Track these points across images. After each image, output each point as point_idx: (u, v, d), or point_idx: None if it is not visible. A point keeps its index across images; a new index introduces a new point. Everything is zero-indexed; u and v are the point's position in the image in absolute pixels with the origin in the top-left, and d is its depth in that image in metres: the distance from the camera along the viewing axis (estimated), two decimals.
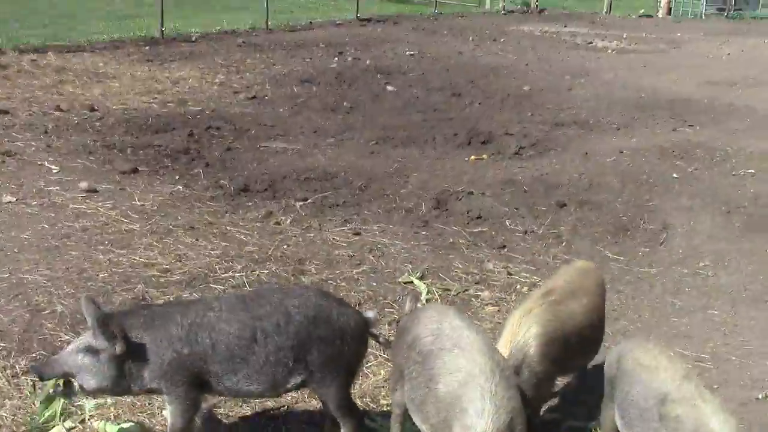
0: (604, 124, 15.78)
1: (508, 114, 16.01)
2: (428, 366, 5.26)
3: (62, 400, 5.56)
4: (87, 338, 5.30)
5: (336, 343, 5.49)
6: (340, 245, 9.26)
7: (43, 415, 5.53)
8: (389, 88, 17.82)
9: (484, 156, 13.15)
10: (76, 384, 5.29)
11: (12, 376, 6.26)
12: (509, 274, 8.83)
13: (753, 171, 13.07)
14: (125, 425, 5.72)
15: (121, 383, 5.33)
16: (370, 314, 5.81)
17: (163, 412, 5.67)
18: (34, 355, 6.45)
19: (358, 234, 9.63)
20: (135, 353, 5.29)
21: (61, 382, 5.36)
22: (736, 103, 18.18)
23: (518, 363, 5.72)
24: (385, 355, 7.04)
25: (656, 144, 14.32)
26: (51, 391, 5.40)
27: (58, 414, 5.81)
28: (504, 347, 5.68)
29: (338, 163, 12.20)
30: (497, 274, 8.88)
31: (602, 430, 5.79)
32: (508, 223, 10.37)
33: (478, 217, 10.44)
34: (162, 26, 22.79)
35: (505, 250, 9.57)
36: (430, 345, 5.33)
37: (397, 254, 9.15)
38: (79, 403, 6.03)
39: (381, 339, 5.99)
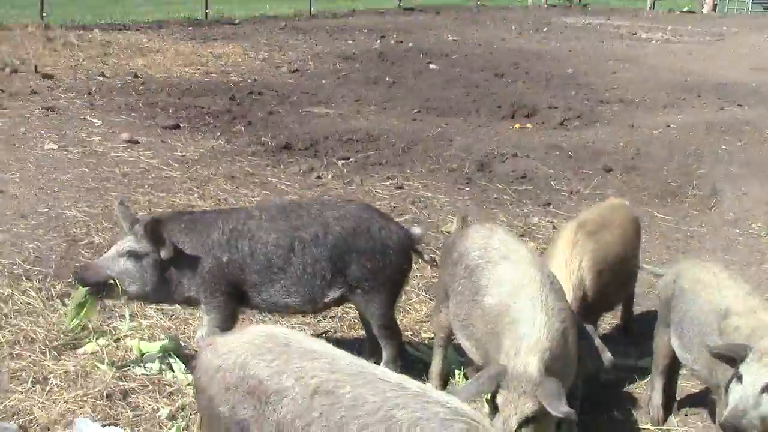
0: (650, 103, 15.42)
1: (552, 92, 15.68)
2: (475, 279, 5.02)
3: (92, 310, 5.36)
4: (129, 242, 5.12)
5: (377, 257, 5.28)
6: (382, 197, 9.06)
7: (72, 322, 5.32)
8: (432, 66, 17.56)
9: (529, 125, 12.88)
10: (117, 288, 5.12)
11: (47, 298, 6.11)
12: (554, 228, 8.54)
13: None
14: (161, 343, 5.52)
15: (162, 289, 5.18)
16: (416, 230, 5.57)
17: (196, 333, 5.48)
18: (69, 280, 6.27)
19: (400, 188, 9.42)
20: (176, 258, 5.12)
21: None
22: None
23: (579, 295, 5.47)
24: (427, 295, 6.82)
25: (704, 120, 13.97)
26: (83, 297, 5.20)
27: (91, 331, 5.66)
28: (564, 280, 5.33)
29: (381, 126, 11.98)
30: (542, 228, 8.64)
31: (656, 357, 5.50)
32: (553, 184, 10.11)
33: (522, 177, 10.19)
34: (206, 8, 22.71)
35: (550, 207, 9.32)
36: (477, 259, 5.10)
37: (441, 207, 8.93)
38: (114, 324, 5.89)
39: (426, 257, 5.74)
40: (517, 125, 12.75)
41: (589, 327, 5.21)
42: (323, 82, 15.23)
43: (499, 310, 4.76)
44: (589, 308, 5.49)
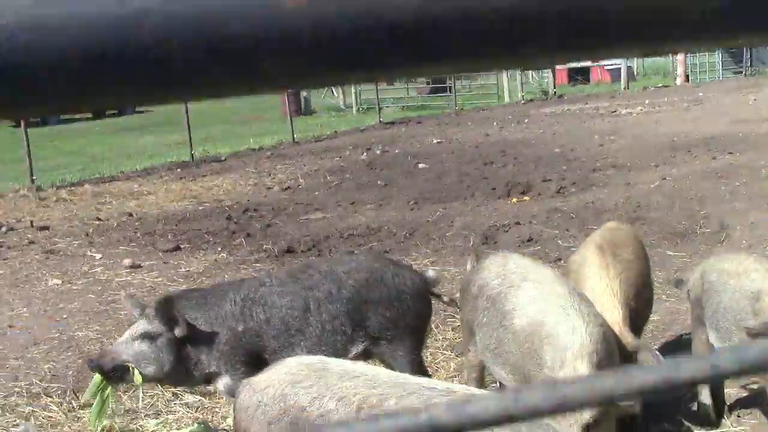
0: (642, 164, 15.54)
1: (543, 170, 15.79)
2: (499, 306, 4.98)
3: (111, 400, 5.26)
4: (142, 324, 5.06)
5: (394, 305, 5.22)
6: None
7: (96, 421, 5.21)
8: (421, 165, 17.71)
9: (526, 198, 12.94)
10: (134, 371, 5.02)
11: (68, 410, 6.00)
12: None
13: None
14: (193, 428, 5.39)
15: (180, 368, 5.08)
16: (430, 273, 5.56)
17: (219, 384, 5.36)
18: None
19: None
20: (191, 335, 5.04)
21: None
22: None
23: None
24: (452, 353, 6.72)
25: (698, 170, 14.12)
26: (98, 387, 5.10)
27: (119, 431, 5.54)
28: (613, 307, 5.27)
29: (380, 219, 12.02)
30: None
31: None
32: (560, 242, 10.08)
33: (528, 240, 10.20)
34: (192, 149, 23.01)
35: (561, 262, 9.22)
36: (498, 287, 5.06)
37: (451, 277, 8.85)
38: (141, 423, 5.77)
39: (445, 298, 5.69)
40: (514, 199, 12.81)
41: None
42: (316, 193, 15.32)
43: (532, 329, 4.70)
44: (635, 325, 5.45)
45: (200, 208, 14.73)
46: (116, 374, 5.02)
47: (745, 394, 5.64)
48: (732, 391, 5.69)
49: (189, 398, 6.17)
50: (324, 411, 3.62)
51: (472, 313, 5.21)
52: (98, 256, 10.86)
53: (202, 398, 6.16)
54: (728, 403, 5.53)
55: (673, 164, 15.17)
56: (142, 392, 6.18)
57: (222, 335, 5.05)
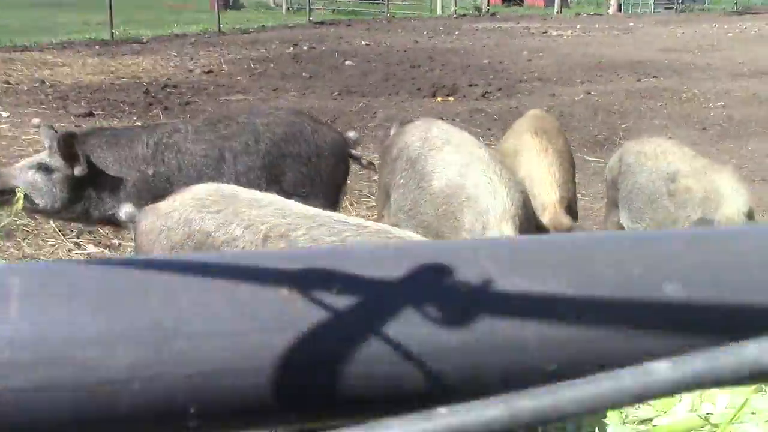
0: (568, 80, 15.60)
1: (470, 76, 15.72)
2: (419, 167, 4.91)
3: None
4: (43, 156, 4.88)
5: (312, 161, 5.13)
6: None
7: None
8: (347, 63, 17.47)
9: (451, 99, 12.87)
10: (20, 198, 4.85)
11: None
12: None
13: (722, 103, 13.09)
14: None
15: (75, 207, 4.93)
16: (351, 134, 5.46)
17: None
18: None
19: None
20: (96, 175, 4.88)
21: None
22: (696, 62, 18.16)
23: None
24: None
25: (623, 88, 14.23)
26: None
27: None
28: (550, 188, 5.23)
29: (302, 105, 11.82)
30: None
31: None
32: (481, 139, 10.01)
33: None
34: (112, 29, 22.30)
35: None
36: (419, 149, 4.98)
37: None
38: None
39: (363, 160, 5.59)
40: (439, 99, 12.75)
41: None
42: (239, 78, 15.01)
43: (450, 191, 4.66)
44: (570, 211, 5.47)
45: (117, 82, 14.31)
46: (3, 196, 4.85)
47: None
48: None
49: (91, 249, 6.01)
50: (230, 238, 3.53)
51: (390, 175, 5.14)
52: (6, 114, 10.46)
53: (105, 250, 6.00)
54: None
55: (599, 82, 15.25)
56: (41, 240, 6.02)
57: (130, 177, 4.90)
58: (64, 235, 6.27)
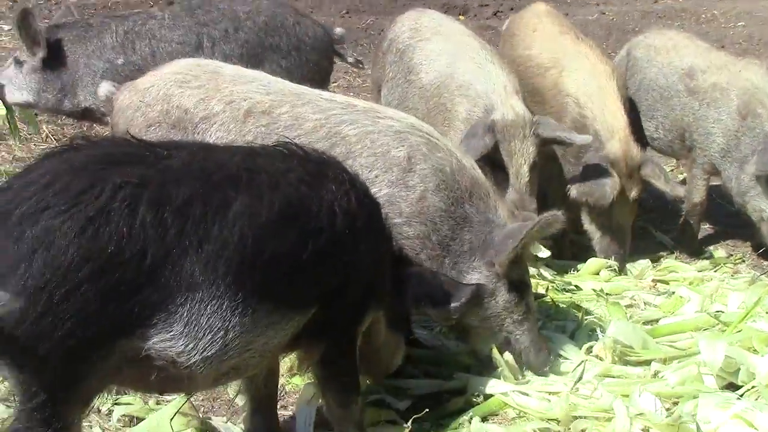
0: (583, 1, 15.20)
1: None
2: (407, 59, 4.78)
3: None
4: (19, 53, 4.89)
5: (292, 54, 4.95)
6: None
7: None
8: None
9: (462, 17, 12.59)
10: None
11: None
12: None
13: (743, 23, 12.77)
14: None
15: (48, 97, 4.90)
16: (337, 29, 5.29)
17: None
18: None
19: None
20: (62, 64, 4.84)
21: None
22: None
23: None
24: None
25: (639, 9, 13.88)
26: None
27: None
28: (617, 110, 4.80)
29: None
30: None
31: None
32: None
33: None
34: None
35: None
36: (408, 40, 4.86)
37: None
38: None
39: (349, 58, 5.41)
40: None
41: None
42: None
43: (440, 82, 4.52)
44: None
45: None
46: None
47: None
48: None
49: None
50: (209, 113, 3.38)
51: (381, 70, 5.04)
52: (7, 27, 10.17)
53: None
54: None
55: (614, 4, 14.82)
56: (33, 145, 5.91)
57: (98, 68, 4.82)
58: (56, 141, 6.12)
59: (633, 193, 4.62)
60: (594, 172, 4.54)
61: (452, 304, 3.15)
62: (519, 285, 3.43)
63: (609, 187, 4.48)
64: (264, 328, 2.54)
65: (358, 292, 2.83)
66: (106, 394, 2.69)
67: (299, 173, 2.67)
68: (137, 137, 2.67)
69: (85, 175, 2.29)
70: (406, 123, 3.38)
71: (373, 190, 3.24)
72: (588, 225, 4.82)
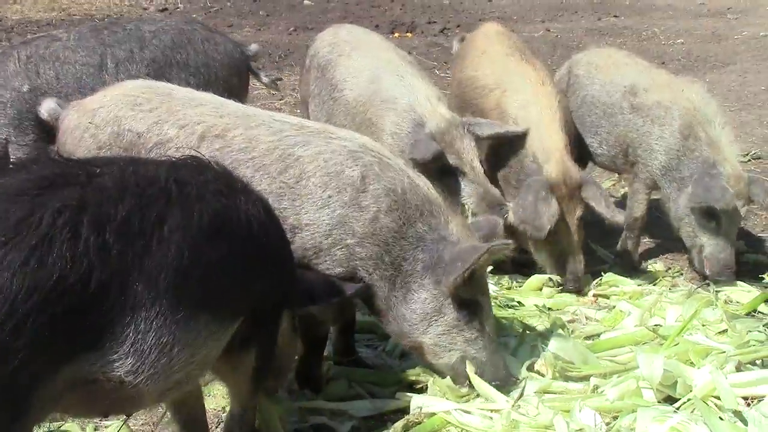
0: (528, 18, 15.39)
1: (429, 15, 15.43)
2: (329, 76, 4.79)
3: None
4: None
5: (201, 71, 4.86)
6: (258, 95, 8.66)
7: None
8: (306, 2, 17.08)
9: (409, 35, 12.67)
10: None
11: None
12: None
13: (682, 41, 13.00)
14: None
15: None
16: (252, 46, 5.20)
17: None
18: None
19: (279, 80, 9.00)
20: None
21: None
22: (657, 3, 17.94)
23: None
24: None
25: (583, 27, 14.09)
26: None
27: None
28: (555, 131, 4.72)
29: (256, 40, 11.35)
30: None
31: None
32: (437, 72, 9.94)
33: None
34: None
35: None
36: (328, 55, 4.89)
37: None
38: None
39: (264, 78, 5.30)
40: (396, 34, 12.52)
41: None
42: (194, 16, 14.57)
43: (365, 99, 4.58)
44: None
45: (67, 18, 13.92)
46: None
47: None
48: None
49: None
50: (163, 138, 3.34)
51: (306, 86, 5.07)
52: None
53: None
54: None
55: (559, 21, 15.05)
56: None
57: (6, 98, 4.70)
58: None
59: (576, 213, 4.57)
60: (533, 199, 4.44)
61: (332, 299, 3.17)
62: (470, 304, 3.40)
63: (546, 218, 4.40)
64: (205, 339, 2.53)
65: (277, 296, 2.87)
66: (45, 424, 2.64)
67: (217, 185, 2.67)
68: (64, 156, 2.64)
69: (23, 202, 2.24)
70: (358, 143, 3.37)
71: (326, 211, 3.23)
72: (534, 249, 4.73)
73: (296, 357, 3.34)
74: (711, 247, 4.71)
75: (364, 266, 3.28)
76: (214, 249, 2.53)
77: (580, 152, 5.01)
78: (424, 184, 3.45)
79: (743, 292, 4.63)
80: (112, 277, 2.29)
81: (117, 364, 2.34)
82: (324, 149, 3.28)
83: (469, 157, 4.34)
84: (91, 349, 2.31)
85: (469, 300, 3.38)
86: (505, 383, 3.50)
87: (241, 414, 3.09)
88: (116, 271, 2.30)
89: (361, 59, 4.71)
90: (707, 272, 4.73)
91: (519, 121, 4.63)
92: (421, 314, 3.33)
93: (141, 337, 2.34)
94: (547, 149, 4.53)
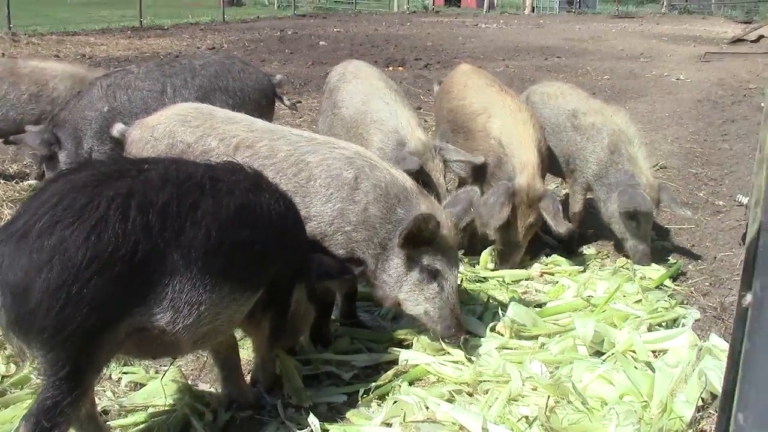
0: (492, 57, 15.33)
1: (416, 54, 15.36)
2: (334, 96, 4.80)
3: None
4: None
5: (237, 94, 4.85)
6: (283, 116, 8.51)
7: None
8: (321, 43, 17.03)
9: (401, 68, 12.57)
10: None
11: None
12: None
13: (608, 77, 12.96)
14: None
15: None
16: (278, 76, 5.23)
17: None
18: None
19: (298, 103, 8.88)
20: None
21: None
22: (589, 48, 17.99)
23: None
24: None
25: (533, 65, 14.02)
26: None
27: None
28: (529, 149, 4.44)
29: (281, 71, 11.41)
30: None
31: None
32: (422, 98, 9.82)
33: None
34: (141, 17, 21.57)
35: (420, 110, 8.97)
36: (336, 83, 4.90)
37: None
38: None
39: (286, 101, 5.34)
40: (390, 68, 12.43)
41: None
42: (234, 52, 14.49)
43: (358, 117, 4.50)
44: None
45: (141, 55, 13.81)
46: None
47: None
48: None
49: None
50: (207, 148, 3.25)
51: (320, 105, 5.07)
52: None
53: None
54: None
55: (516, 60, 15.00)
56: None
57: (91, 116, 4.74)
58: None
59: (530, 220, 4.38)
60: (494, 200, 4.26)
61: (344, 276, 3.13)
62: (430, 269, 3.22)
63: (495, 220, 4.22)
64: (228, 303, 2.52)
65: (290, 273, 2.83)
66: (114, 364, 2.71)
67: (246, 183, 2.65)
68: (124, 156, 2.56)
69: (85, 192, 2.25)
70: (353, 150, 3.29)
71: (329, 205, 3.15)
72: (492, 234, 4.54)
73: (310, 322, 3.25)
74: (633, 240, 4.63)
75: (359, 248, 3.20)
76: (238, 233, 2.51)
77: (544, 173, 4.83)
78: (400, 176, 3.33)
79: (654, 271, 4.57)
80: (154, 249, 2.30)
81: (159, 316, 2.36)
82: (328, 156, 3.20)
83: (437, 174, 4.22)
84: (141, 305, 2.32)
85: (429, 266, 3.20)
86: (455, 341, 3.30)
87: (262, 363, 3.09)
88: (157, 244, 2.30)
89: (358, 86, 4.66)
90: (631, 259, 4.66)
91: (502, 140, 4.44)
92: (395, 276, 3.21)
93: (177, 296, 2.35)
94: (524, 163, 4.35)
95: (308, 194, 3.15)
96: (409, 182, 3.33)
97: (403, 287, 3.24)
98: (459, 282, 4.18)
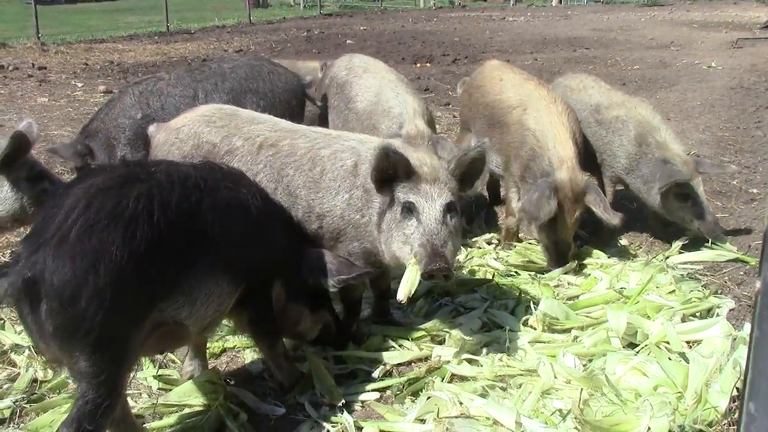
0: (520, 51, 15.24)
1: (443, 49, 15.35)
2: (346, 92, 4.93)
3: None
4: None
5: (267, 96, 4.87)
6: None
7: None
8: (348, 41, 17.08)
9: (428, 64, 12.56)
10: None
11: None
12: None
13: (638, 67, 12.81)
14: None
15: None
16: (307, 78, 5.26)
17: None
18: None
19: None
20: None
21: None
22: (618, 38, 17.81)
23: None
24: None
25: (562, 57, 13.92)
26: None
27: None
28: (566, 142, 4.37)
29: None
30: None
31: None
32: (450, 93, 9.81)
33: (426, 89, 9.89)
34: (168, 22, 21.81)
35: (450, 106, 8.97)
36: (344, 77, 5.03)
37: None
38: None
39: (318, 102, 5.37)
40: (418, 65, 12.44)
41: None
42: (262, 54, 14.60)
43: (371, 109, 4.66)
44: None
45: (169, 60, 13.97)
46: None
47: None
48: None
49: None
50: (232, 148, 3.32)
51: (324, 101, 5.16)
52: (80, 84, 10.21)
53: None
54: None
55: (544, 53, 14.91)
56: None
57: (125, 124, 4.77)
58: None
59: (575, 214, 4.31)
60: (539, 195, 4.20)
61: (340, 277, 3.07)
62: (407, 206, 3.02)
63: (542, 214, 4.16)
64: (227, 294, 2.64)
65: (270, 266, 2.90)
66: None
67: (227, 181, 2.77)
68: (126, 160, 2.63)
69: (111, 194, 2.33)
70: (359, 140, 3.34)
71: (338, 197, 3.16)
72: (537, 235, 4.52)
73: (318, 327, 3.26)
74: (695, 218, 4.53)
75: (365, 230, 3.18)
76: (230, 226, 2.63)
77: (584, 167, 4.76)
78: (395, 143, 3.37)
79: (731, 249, 4.58)
80: (175, 246, 2.40)
81: (180, 309, 2.45)
82: (338, 149, 3.26)
83: None
84: (165, 299, 2.40)
85: (405, 201, 3.01)
86: (437, 272, 2.91)
87: (272, 362, 3.14)
88: (177, 239, 2.40)
89: (369, 80, 4.86)
90: (705, 235, 4.54)
91: (537, 133, 4.40)
92: (378, 216, 3.13)
93: (194, 289, 2.47)
94: (561, 158, 4.28)
95: (320, 189, 3.20)
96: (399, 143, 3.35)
97: (385, 225, 3.10)
98: (491, 278, 4.20)
